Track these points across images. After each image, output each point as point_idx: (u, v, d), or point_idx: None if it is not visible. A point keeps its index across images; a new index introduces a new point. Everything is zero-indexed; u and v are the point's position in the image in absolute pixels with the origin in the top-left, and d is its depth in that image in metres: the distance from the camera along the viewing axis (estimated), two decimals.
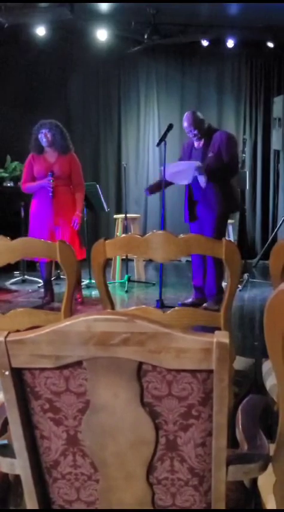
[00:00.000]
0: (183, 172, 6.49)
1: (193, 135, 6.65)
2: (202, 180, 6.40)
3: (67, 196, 6.87)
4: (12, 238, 2.65)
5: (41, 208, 6.81)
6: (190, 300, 6.82)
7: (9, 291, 7.99)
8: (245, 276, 8.04)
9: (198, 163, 6.43)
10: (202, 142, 6.64)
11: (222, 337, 1.41)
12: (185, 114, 6.74)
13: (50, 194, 6.70)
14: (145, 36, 8.82)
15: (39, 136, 6.80)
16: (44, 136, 6.78)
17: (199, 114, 6.71)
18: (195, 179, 6.45)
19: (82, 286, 7.50)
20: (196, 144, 6.70)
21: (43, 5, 7.13)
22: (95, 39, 9.33)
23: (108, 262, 8.09)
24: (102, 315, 1.44)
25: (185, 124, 6.66)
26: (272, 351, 1.61)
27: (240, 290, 7.64)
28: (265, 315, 1.57)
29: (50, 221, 6.77)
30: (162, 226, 6.79)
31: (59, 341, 1.45)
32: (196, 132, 6.59)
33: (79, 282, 7.12)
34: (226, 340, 1.40)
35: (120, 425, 1.52)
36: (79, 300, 7.06)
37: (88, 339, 1.43)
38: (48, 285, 7.11)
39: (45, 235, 6.71)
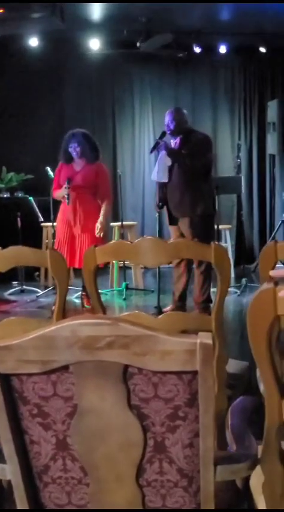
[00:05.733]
0: (161, 166, 6.50)
1: (169, 130, 6.64)
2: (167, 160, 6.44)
3: (90, 204, 6.95)
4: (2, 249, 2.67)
5: (65, 215, 6.94)
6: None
7: (7, 301, 7.99)
8: (244, 280, 8.05)
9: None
10: (178, 141, 6.63)
11: (205, 338, 1.43)
12: (169, 110, 6.79)
13: (66, 201, 6.77)
14: (138, 45, 8.87)
15: (70, 149, 6.90)
16: (73, 150, 6.90)
17: (183, 112, 6.77)
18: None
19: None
20: (172, 143, 6.69)
21: (35, 15, 7.16)
22: (88, 48, 9.38)
23: (105, 270, 8.17)
24: (86, 319, 1.46)
25: (166, 118, 6.69)
26: (257, 352, 1.63)
27: (238, 295, 7.65)
28: (247, 317, 1.58)
29: (71, 228, 6.87)
30: (158, 233, 6.81)
31: (45, 346, 1.46)
32: (172, 126, 6.58)
33: None
34: (209, 341, 1.42)
35: (108, 428, 1.54)
36: (89, 307, 7.07)
37: (74, 343, 1.44)
38: None
39: (67, 242, 6.83)
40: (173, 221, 6.67)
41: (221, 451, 1.69)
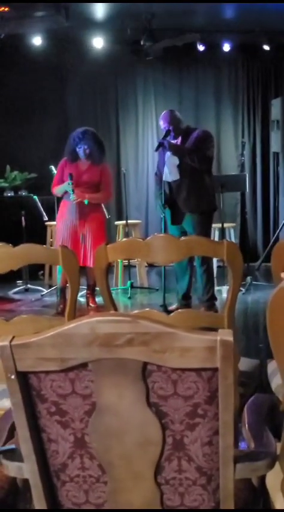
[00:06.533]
0: (171, 167, 6.49)
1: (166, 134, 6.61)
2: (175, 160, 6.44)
3: (94, 204, 6.87)
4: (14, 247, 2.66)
5: (67, 212, 6.84)
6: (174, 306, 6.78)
7: (12, 300, 7.98)
8: (248, 279, 8.04)
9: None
10: (179, 141, 6.60)
11: (226, 335, 1.42)
12: (162, 113, 6.74)
13: (70, 196, 6.69)
14: (141, 43, 8.86)
15: (78, 149, 6.80)
16: (82, 152, 6.79)
17: (177, 113, 6.69)
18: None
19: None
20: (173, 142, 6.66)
21: (39, 14, 7.15)
22: (91, 47, 9.36)
23: (110, 269, 8.15)
24: (105, 316, 1.45)
25: (161, 122, 6.65)
26: (276, 348, 1.62)
27: (243, 293, 7.63)
28: (267, 312, 1.58)
29: (74, 227, 6.80)
30: (163, 232, 6.78)
31: (64, 344, 1.45)
32: (170, 129, 6.54)
33: (93, 288, 7.10)
34: (230, 338, 1.41)
35: (127, 426, 1.53)
36: (94, 306, 7.04)
37: (93, 341, 1.44)
38: (62, 293, 7.03)
39: (70, 241, 6.73)
40: (176, 221, 6.63)
41: (238, 449, 1.68)
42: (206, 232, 6.51)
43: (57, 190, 6.92)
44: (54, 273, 8.15)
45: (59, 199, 7.14)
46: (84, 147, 6.77)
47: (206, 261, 6.51)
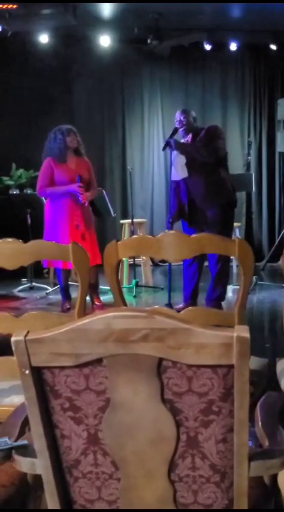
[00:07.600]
0: (177, 165, 6.47)
1: (181, 126, 6.59)
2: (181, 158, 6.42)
3: (87, 205, 6.86)
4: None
5: (62, 214, 6.73)
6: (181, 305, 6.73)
7: (17, 298, 7.99)
8: (254, 278, 8.02)
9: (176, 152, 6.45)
10: (189, 138, 6.58)
11: (242, 331, 1.41)
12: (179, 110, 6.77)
13: (80, 200, 6.63)
14: (148, 42, 8.86)
15: (67, 140, 6.71)
16: (71, 141, 6.72)
17: (192, 112, 6.72)
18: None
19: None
20: (183, 141, 6.64)
21: (46, 11, 7.16)
22: (98, 45, 9.37)
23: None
24: (120, 311, 1.44)
25: (177, 114, 6.65)
26: None
27: (248, 293, 7.60)
28: (283, 311, 1.57)
29: (73, 228, 6.73)
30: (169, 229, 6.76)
31: (78, 339, 1.44)
32: (185, 122, 6.54)
33: (97, 286, 7.09)
34: (247, 335, 1.40)
35: (141, 422, 1.52)
36: (99, 304, 7.02)
37: (108, 336, 1.42)
38: (66, 292, 7.04)
39: (67, 241, 6.61)
40: (195, 222, 6.54)
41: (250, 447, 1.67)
42: (231, 222, 6.50)
43: (52, 192, 6.76)
44: None
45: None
46: (74, 135, 6.74)
47: (221, 260, 6.44)
